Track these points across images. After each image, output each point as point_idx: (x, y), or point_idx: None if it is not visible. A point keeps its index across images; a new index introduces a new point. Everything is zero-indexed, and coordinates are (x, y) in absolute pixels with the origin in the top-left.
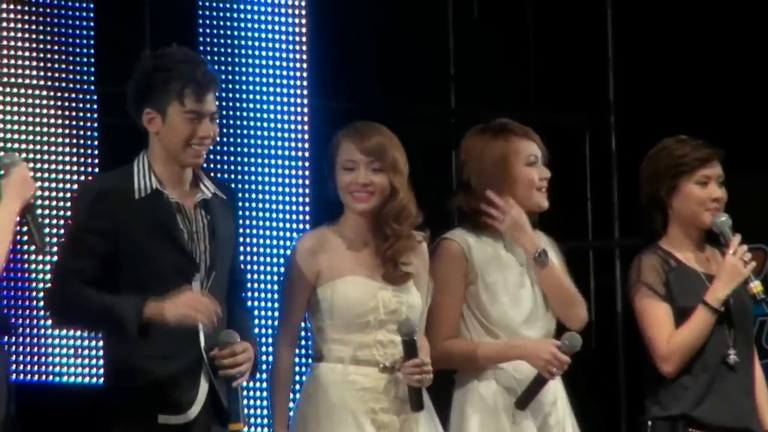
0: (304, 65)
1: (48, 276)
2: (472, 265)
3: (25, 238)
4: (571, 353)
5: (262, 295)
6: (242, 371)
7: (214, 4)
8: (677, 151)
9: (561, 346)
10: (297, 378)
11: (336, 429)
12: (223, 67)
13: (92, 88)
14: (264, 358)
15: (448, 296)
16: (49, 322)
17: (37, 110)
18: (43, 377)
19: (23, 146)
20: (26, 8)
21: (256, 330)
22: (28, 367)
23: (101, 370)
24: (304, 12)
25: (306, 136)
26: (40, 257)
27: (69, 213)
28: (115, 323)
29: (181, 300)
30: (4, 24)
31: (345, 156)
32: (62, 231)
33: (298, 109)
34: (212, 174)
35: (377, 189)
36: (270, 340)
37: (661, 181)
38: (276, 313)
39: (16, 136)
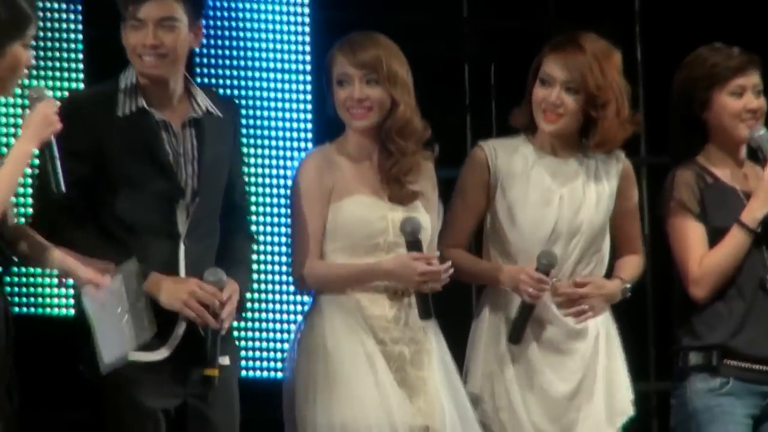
0: None
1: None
2: (494, 174)
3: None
4: (550, 271)
5: (261, 218)
6: (223, 317)
7: None
8: (709, 60)
9: (537, 265)
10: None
11: (347, 377)
12: None
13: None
14: (257, 286)
15: (461, 202)
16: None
17: None
18: (17, 308)
19: None
20: None
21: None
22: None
23: (72, 301)
24: None
25: (307, 48)
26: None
27: None
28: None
29: (180, 292)
30: None
31: (339, 70)
32: None
33: (299, 19)
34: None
35: (375, 103)
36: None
37: (693, 93)
38: (275, 237)
39: None
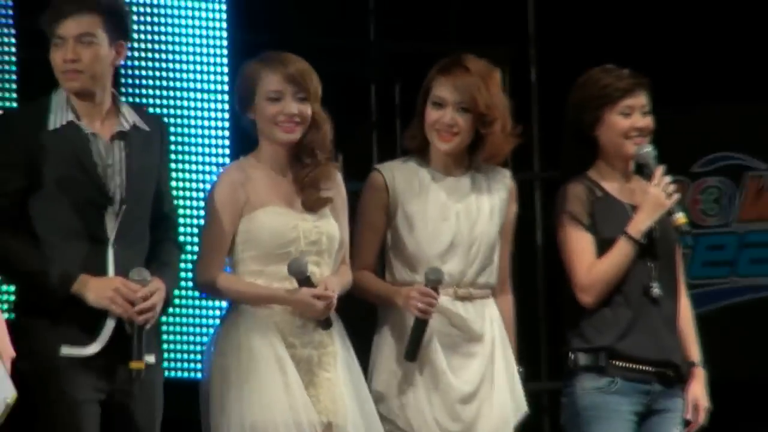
0: None
1: None
2: (393, 195)
3: None
4: (437, 287)
5: (184, 229)
6: (149, 314)
7: None
8: (601, 81)
9: (425, 281)
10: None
11: (259, 377)
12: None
13: (11, 22)
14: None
15: (364, 226)
16: None
17: None
18: None
19: None
20: None
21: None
22: None
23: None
24: None
25: (225, 69)
26: None
27: None
28: (41, 290)
29: (105, 290)
30: None
31: (269, 86)
32: None
33: (218, 42)
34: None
35: (303, 119)
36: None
37: (586, 112)
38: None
39: None
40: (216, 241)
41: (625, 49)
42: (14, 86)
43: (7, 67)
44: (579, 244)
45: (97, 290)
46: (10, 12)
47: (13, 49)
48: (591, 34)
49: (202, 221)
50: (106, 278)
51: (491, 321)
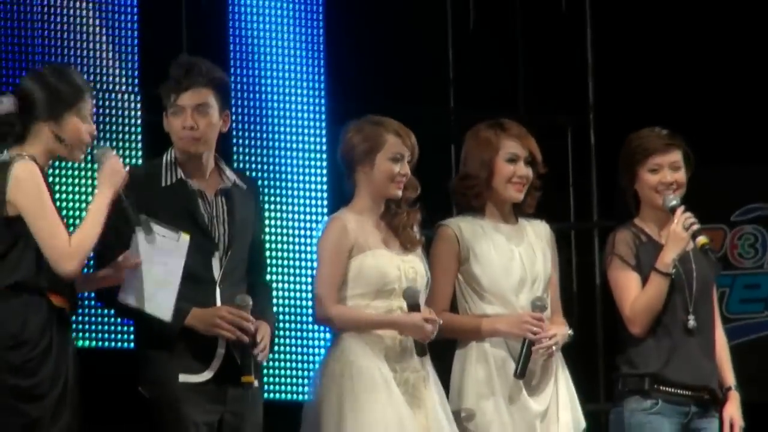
0: (321, 70)
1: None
2: (464, 245)
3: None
4: (543, 311)
5: (282, 277)
6: (263, 354)
7: (243, 24)
8: (634, 142)
9: (533, 308)
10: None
11: (370, 395)
12: (251, 72)
13: (137, 89)
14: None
15: (442, 273)
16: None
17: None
18: (82, 342)
19: None
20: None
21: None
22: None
23: (132, 336)
24: (322, 26)
25: (324, 132)
26: None
27: None
28: (159, 324)
29: (212, 318)
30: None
31: (395, 149)
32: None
33: (316, 108)
34: (244, 167)
35: (408, 179)
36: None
37: (625, 170)
38: (296, 287)
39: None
40: (331, 279)
41: (674, 114)
42: (140, 146)
43: (133, 129)
44: (626, 281)
45: (205, 319)
46: (137, 81)
47: (139, 113)
48: (643, 103)
49: (299, 266)
50: (211, 308)
51: (556, 357)
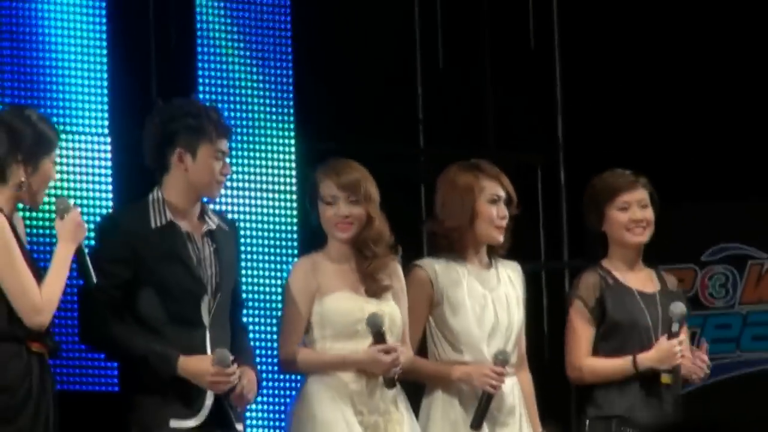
0: (291, 111)
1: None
2: (438, 289)
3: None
4: (505, 366)
5: (256, 319)
6: (249, 397)
7: (212, 64)
8: (601, 182)
9: (494, 361)
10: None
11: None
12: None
13: (105, 132)
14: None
15: (412, 317)
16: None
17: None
18: (64, 385)
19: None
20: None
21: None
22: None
23: (116, 379)
24: (291, 68)
25: (293, 173)
26: None
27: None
28: (149, 370)
29: (205, 377)
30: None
31: (326, 192)
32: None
33: (287, 149)
34: (216, 207)
35: (355, 219)
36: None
37: (592, 209)
38: (268, 328)
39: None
40: (293, 322)
41: (643, 151)
42: (110, 188)
43: (103, 171)
44: (580, 330)
45: (198, 377)
46: (105, 123)
47: (108, 155)
48: (611, 141)
49: (271, 307)
50: (201, 363)
51: (518, 395)
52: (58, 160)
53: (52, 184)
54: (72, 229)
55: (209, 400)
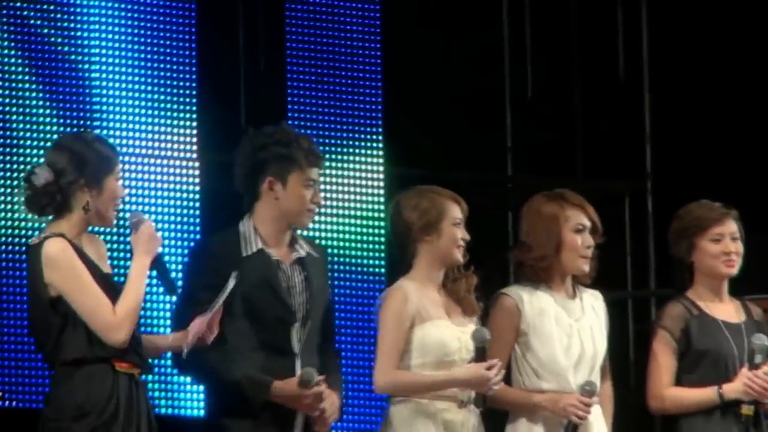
0: (380, 137)
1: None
2: (524, 317)
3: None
4: (591, 396)
5: (344, 345)
6: (331, 420)
7: (302, 91)
8: (694, 213)
9: (581, 392)
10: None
11: None
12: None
13: (194, 156)
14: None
15: (498, 344)
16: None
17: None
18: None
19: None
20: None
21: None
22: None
23: (202, 404)
24: (380, 95)
25: (383, 199)
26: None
27: (184, 269)
28: (242, 396)
29: (296, 403)
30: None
31: (456, 215)
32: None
33: (375, 175)
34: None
35: (466, 243)
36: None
37: (682, 240)
38: (356, 354)
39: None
40: (392, 346)
41: (732, 180)
42: (198, 213)
43: (192, 196)
44: (662, 360)
45: (292, 401)
46: (194, 148)
47: (197, 181)
48: (700, 171)
49: (359, 333)
50: (292, 392)
51: (602, 424)
52: (144, 184)
53: (121, 200)
54: (146, 240)
55: (299, 424)
